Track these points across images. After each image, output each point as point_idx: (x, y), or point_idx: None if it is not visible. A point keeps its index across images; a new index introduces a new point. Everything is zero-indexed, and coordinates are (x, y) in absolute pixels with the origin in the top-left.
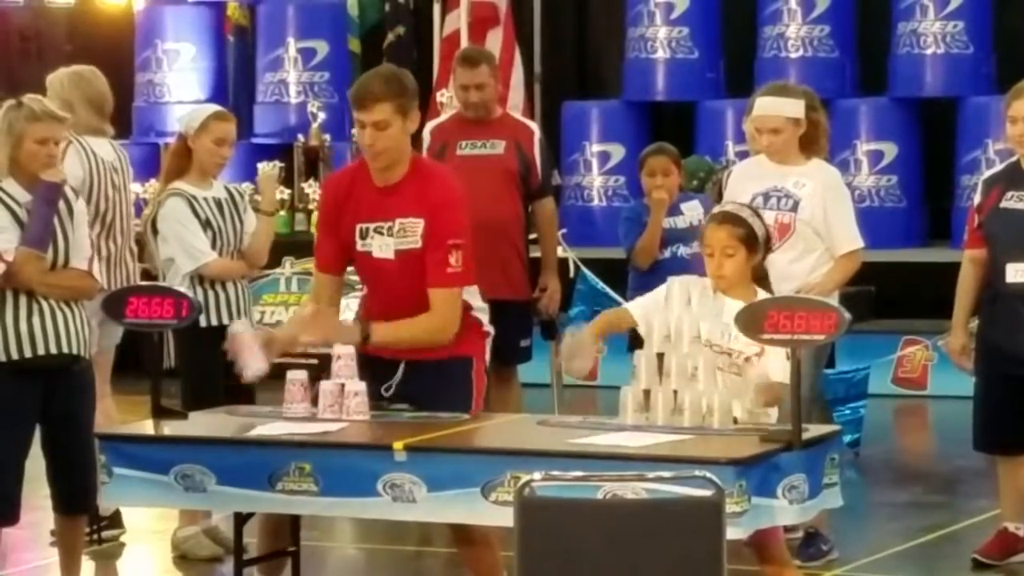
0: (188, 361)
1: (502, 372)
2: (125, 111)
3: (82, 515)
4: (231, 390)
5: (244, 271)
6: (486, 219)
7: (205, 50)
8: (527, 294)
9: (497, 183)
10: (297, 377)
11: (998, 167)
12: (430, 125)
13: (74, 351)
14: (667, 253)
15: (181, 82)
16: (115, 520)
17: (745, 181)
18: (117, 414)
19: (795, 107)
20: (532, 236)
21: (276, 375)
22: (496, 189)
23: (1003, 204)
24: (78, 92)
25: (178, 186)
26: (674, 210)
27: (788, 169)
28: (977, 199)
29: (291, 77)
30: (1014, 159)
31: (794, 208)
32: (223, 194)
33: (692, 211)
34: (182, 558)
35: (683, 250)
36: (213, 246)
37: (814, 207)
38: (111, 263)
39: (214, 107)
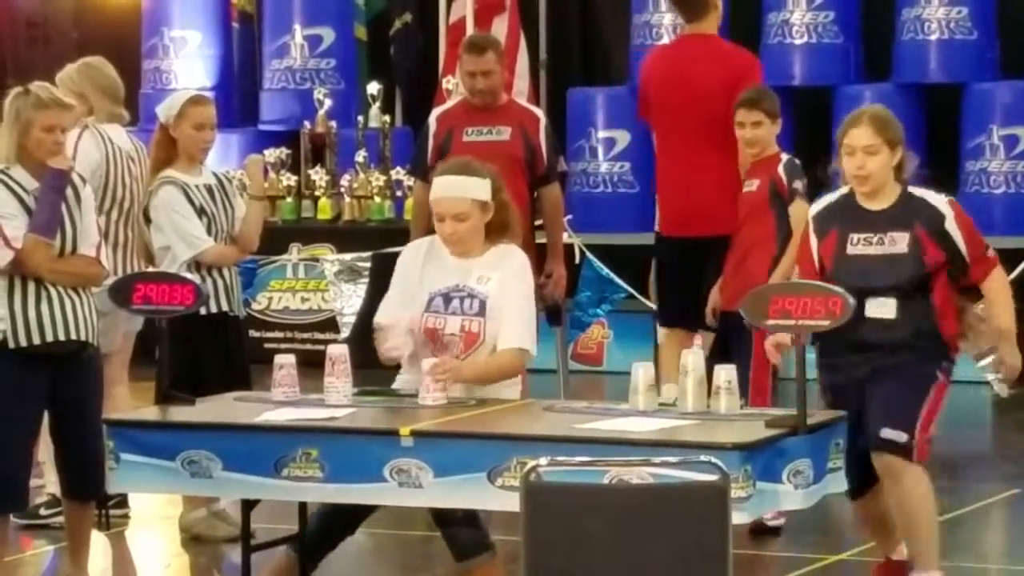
0: (181, 347)
1: None
2: (132, 99)
3: (90, 501)
4: (226, 378)
5: (238, 257)
6: None
7: (211, 37)
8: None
9: (503, 169)
10: (285, 361)
11: (827, 199)
12: (436, 112)
13: (82, 338)
14: None
15: (187, 69)
16: (123, 500)
17: (427, 274)
18: (131, 402)
19: (482, 188)
20: (538, 222)
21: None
22: (502, 175)
23: (851, 251)
24: (89, 82)
25: (169, 174)
26: None
27: (471, 262)
28: (813, 238)
29: (297, 64)
30: (845, 190)
31: (481, 311)
32: (212, 180)
33: None
34: (193, 540)
35: None
36: (208, 232)
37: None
38: (127, 250)
39: (190, 92)
